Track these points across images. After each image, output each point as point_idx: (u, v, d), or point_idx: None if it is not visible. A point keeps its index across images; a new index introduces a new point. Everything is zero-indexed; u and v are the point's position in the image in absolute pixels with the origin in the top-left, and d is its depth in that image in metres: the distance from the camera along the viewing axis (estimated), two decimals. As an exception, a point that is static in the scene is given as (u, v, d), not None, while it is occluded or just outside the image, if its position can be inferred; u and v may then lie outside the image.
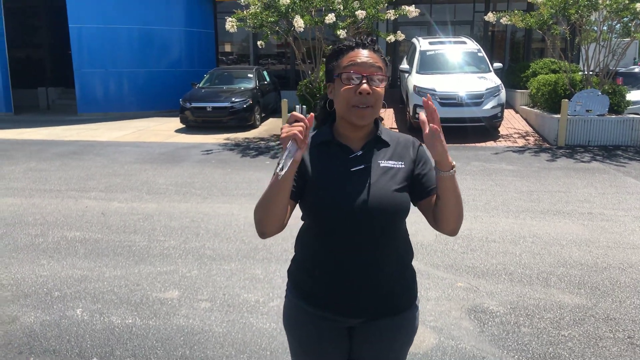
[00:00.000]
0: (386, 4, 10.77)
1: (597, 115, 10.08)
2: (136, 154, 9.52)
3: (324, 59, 11.03)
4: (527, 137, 10.94)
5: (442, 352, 3.00)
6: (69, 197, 6.56)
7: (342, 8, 10.14)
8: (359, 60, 1.51)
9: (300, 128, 1.34)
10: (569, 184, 7.03)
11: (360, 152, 1.59)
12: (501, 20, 10.91)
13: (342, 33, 10.26)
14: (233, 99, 12.50)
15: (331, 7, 10.16)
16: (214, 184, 7.19)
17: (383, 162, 1.58)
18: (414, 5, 10.57)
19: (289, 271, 1.72)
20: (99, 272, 4.19)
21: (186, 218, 5.60)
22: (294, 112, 1.41)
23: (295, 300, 1.66)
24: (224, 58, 18.96)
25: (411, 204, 1.60)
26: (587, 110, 10.10)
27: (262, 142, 10.84)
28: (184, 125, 12.89)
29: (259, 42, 10.90)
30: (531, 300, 3.66)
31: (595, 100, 10.09)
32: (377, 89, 1.52)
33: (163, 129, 12.96)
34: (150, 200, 6.37)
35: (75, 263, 4.39)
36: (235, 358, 2.94)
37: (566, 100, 10.05)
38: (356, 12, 10.02)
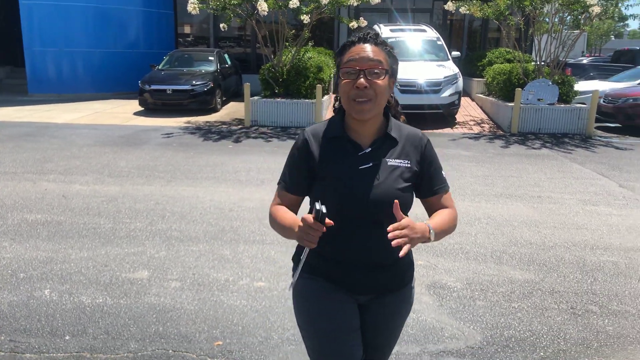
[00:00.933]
0: (349, -10, 10.85)
1: (548, 104, 10.57)
2: (94, 137, 9.32)
3: (287, 43, 11.08)
4: (483, 125, 11.36)
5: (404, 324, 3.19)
6: (26, 179, 6.41)
7: (305, -7, 10.16)
8: (357, 56, 1.56)
9: (316, 238, 1.47)
10: (521, 169, 7.41)
11: (369, 150, 1.64)
12: (460, 10, 11.20)
13: (305, 18, 10.31)
14: (194, 81, 12.35)
15: (295, -8, 10.16)
16: (177, 167, 7.17)
17: (390, 160, 1.63)
18: (376, -8, 10.69)
19: (297, 249, 1.80)
20: (64, 253, 4.18)
21: (151, 201, 5.60)
22: (312, 220, 1.46)
23: (307, 275, 1.72)
24: (180, 40, 18.56)
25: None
26: (539, 99, 10.58)
27: (223, 126, 10.81)
28: (142, 108, 12.65)
29: (221, 25, 10.79)
30: (485, 277, 3.92)
31: (546, 89, 10.57)
32: (377, 82, 1.56)
33: (121, 112, 12.68)
34: (113, 183, 6.31)
35: (39, 245, 4.36)
36: (208, 333, 3.05)
37: (519, 89, 10.48)
38: (319, -2, 10.06)
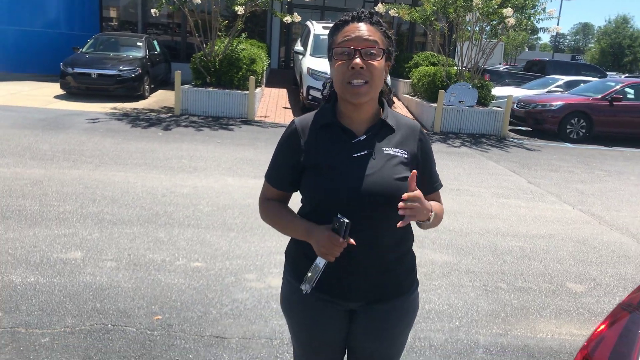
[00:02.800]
0: (283, -15, 11.00)
1: (468, 106, 11.31)
2: (11, 119, 8.81)
3: (220, 34, 11.01)
4: (408, 123, 11.91)
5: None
6: (-63, 160, 6.00)
7: (240, -16, 10.17)
8: (352, 35, 1.44)
9: (338, 254, 1.40)
10: (442, 165, 7.92)
11: (364, 137, 1.52)
12: (389, 12, 11.67)
13: (239, 9, 10.32)
14: (121, 67, 11.95)
15: (229, -18, 10.15)
16: (105, 152, 6.99)
17: (387, 149, 1.52)
18: (310, -11, 10.92)
19: (287, 251, 1.68)
20: (-12, 235, 4.02)
21: (79, 184, 5.46)
22: (341, 240, 1.38)
23: (293, 282, 1.61)
24: (103, 24, 17.76)
25: None
26: (460, 102, 11.28)
27: (152, 114, 10.57)
28: (64, 92, 12.06)
29: (152, 10, 10.53)
30: (409, 259, 4.23)
31: (466, 92, 11.30)
32: (373, 62, 1.44)
33: (40, 94, 12.01)
34: (36, 166, 6.05)
35: (-42, 226, 4.15)
36: (147, 309, 3.10)
37: (442, 91, 11.12)
38: (254, -10, 10.12)
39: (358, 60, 1.42)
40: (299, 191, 1.59)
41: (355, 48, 1.43)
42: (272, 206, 1.62)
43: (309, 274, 1.46)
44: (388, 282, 1.58)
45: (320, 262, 1.44)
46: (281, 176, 1.59)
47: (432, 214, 1.49)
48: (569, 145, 11.10)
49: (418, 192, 1.40)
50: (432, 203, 1.55)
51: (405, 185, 1.46)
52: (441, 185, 1.69)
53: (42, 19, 15.74)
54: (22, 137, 7.50)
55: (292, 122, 1.58)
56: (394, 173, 1.49)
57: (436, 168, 1.67)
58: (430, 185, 1.63)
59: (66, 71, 11.72)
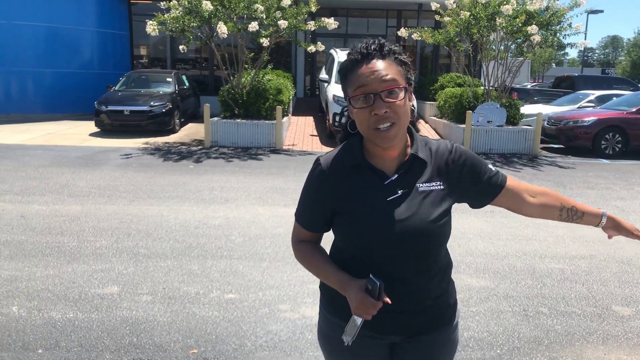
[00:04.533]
0: (306, 15, 11.21)
1: (497, 125, 11.17)
2: (50, 158, 9.14)
3: (246, 66, 11.26)
4: (436, 145, 11.82)
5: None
6: (-19, 200, 6.24)
7: (264, 17, 10.42)
8: (365, 81, 1.35)
9: (374, 313, 1.35)
10: (473, 186, 7.79)
11: (396, 177, 1.44)
12: (412, 36, 11.74)
13: (264, 41, 10.55)
14: (152, 102, 12.32)
15: (254, 16, 10.41)
16: (139, 187, 7.15)
17: (421, 185, 1.44)
18: (332, 18, 11.09)
19: (321, 285, 1.61)
20: (29, 272, 4.13)
21: (115, 219, 5.58)
22: (375, 302, 1.35)
23: (330, 317, 1.56)
24: (136, 61, 18.43)
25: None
26: (488, 121, 11.16)
27: (183, 147, 10.81)
28: (99, 129, 12.48)
29: (181, 47, 10.87)
30: (445, 284, 4.14)
31: (495, 112, 11.18)
32: (396, 102, 1.35)
33: (76, 133, 12.45)
34: (74, 202, 6.23)
35: (1, 264, 4.28)
36: (182, 342, 3.11)
37: (470, 111, 11.04)
38: (278, 22, 10.35)
39: (380, 107, 1.34)
40: (331, 231, 1.54)
41: (374, 93, 1.34)
42: (305, 250, 1.56)
43: (348, 328, 1.42)
44: (429, 316, 1.53)
45: (358, 319, 1.41)
46: (312, 219, 1.53)
47: (604, 218, 1.63)
48: (604, 161, 10.80)
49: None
50: (567, 201, 1.64)
51: (443, 224, 1.43)
52: (504, 176, 1.58)
53: (77, 60, 16.42)
54: (60, 174, 7.76)
55: (317, 162, 1.50)
56: (430, 213, 1.42)
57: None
58: (495, 184, 1.54)
59: (100, 109, 12.15)
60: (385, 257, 1.40)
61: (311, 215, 1.53)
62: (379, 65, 1.36)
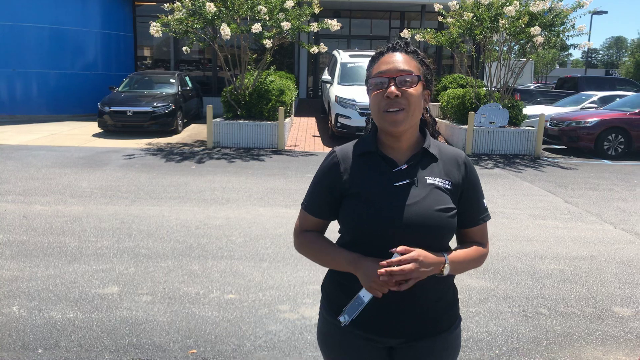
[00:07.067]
0: (309, 17, 11.23)
1: (499, 126, 11.15)
2: (53, 158, 9.18)
3: (249, 67, 11.29)
4: (438, 146, 11.81)
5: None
6: (-16, 200, 6.28)
7: (267, 19, 10.44)
8: (386, 66, 1.45)
9: (388, 289, 1.36)
10: (475, 187, 7.79)
11: (405, 166, 1.48)
12: (415, 37, 11.73)
13: (267, 42, 10.57)
14: (155, 103, 12.36)
15: (257, 17, 10.44)
16: (141, 187, 7.17)
17: (430, 178, 1.47)
18: (335, 20, 11.11)
19: (323, 286, 1.64)
20: (30, 272, 4.15)
21: (116, 220, 5.60)
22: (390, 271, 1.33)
23: (330, 318, 1.56)
24: (137, 63, 18.49)
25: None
26: (491, 122, 11.15)
27: (185, 148, 10.84)
28: (102, 130, 12.54)
29: (184, 48, 10.90)
30: (444, 285, 4.14)
31: (497, 113, 11.17)
32: (409, 90, 1.42)
33: (79, 133, 12.51)
34: (75, 203, 6.26)
35: (3, 264, 4.30)
36: (182, 343, 3.12)
37: (473, 112, 11.03)
38: (281, 24, 10.36)
39: (393, 88, 1.41)
40: (337, 221, 1.56)
41: (390, 77, 1.42)
42: (310, 237, 1.58)
43: (348, 307, 1.41)
44: (428, 319, 1.51)
45: (366, 296, 1.39)
46: (321, 204, 1.55)
47: (446, 266, 1.42)
48: (607, 162, 10.77)
49: (414, 253, 1.34)
50: (456, 253, 1.49)
51: (448, 216, 1.44)
52: (489, 217, 1.59)
53: (82, 61, 16.48)
54: (63, 175, 7.79)
55: (333, 150, 1.57)
56: (436, 204, 1.44)
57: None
58: (475, 217, 1.54)
59: (103, 110, 12.19)
60: (387, 244, 1.39)
61: (319, 199, 1.56)
62: (400, 57, 1.46)
